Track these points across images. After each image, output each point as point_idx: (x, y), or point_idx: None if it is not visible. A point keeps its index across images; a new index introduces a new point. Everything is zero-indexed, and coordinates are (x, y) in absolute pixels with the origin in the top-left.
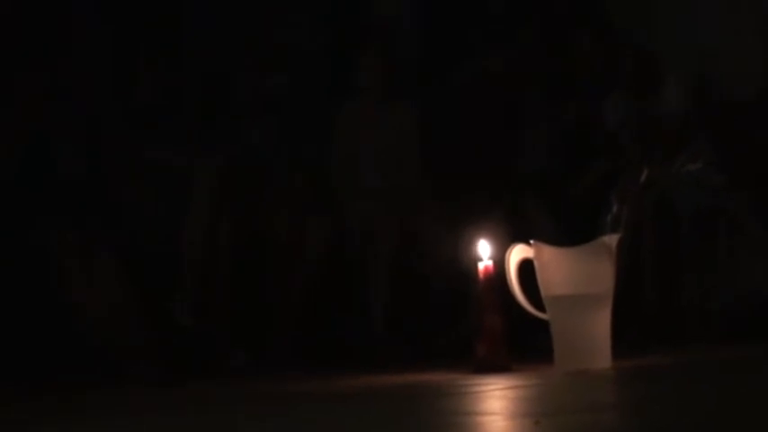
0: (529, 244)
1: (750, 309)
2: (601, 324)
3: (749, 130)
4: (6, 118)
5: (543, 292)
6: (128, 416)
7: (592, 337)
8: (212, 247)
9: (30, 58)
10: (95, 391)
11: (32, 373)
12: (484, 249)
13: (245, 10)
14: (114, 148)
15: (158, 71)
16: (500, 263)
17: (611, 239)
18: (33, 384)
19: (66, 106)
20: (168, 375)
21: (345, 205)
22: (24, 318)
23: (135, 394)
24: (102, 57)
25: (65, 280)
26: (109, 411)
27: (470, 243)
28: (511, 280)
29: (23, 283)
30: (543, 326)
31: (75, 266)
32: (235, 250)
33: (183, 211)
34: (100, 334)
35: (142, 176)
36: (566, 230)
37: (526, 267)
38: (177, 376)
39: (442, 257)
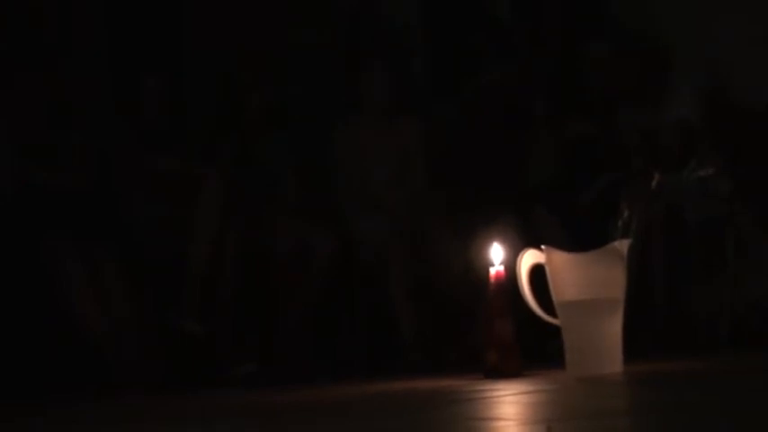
0: (540, 249)
1: (759, 315)
2: (612, 329)
3: (759, 138)
4: (13, 127)
5: (555, 297)
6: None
7: (603, 342)
8: (219, 254)
9: (35, 66)
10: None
11: (35, 379)
12: (495, 254)
13: (253, 16)
14: (121, 158)
15: (165, 81)
16: (511, 268)
17: (622, 245)
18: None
19: (73, 115)
20: (173, 381)
21: (353, 217)
22: (29, 327)
23: (132, 403)
24: (109, 65)
25: (70, 290)
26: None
27: (481, 249)
28: (522, 285)
29: (29, 293)
30: (554, 331)
31: (81, 277)
32: (242, 258)
33: (191, 219)
34: (105, 342)
35: (149, 186)
36: (575, 237)
37: (537, 272)
38: (183, 382)
39: (453, 264)
